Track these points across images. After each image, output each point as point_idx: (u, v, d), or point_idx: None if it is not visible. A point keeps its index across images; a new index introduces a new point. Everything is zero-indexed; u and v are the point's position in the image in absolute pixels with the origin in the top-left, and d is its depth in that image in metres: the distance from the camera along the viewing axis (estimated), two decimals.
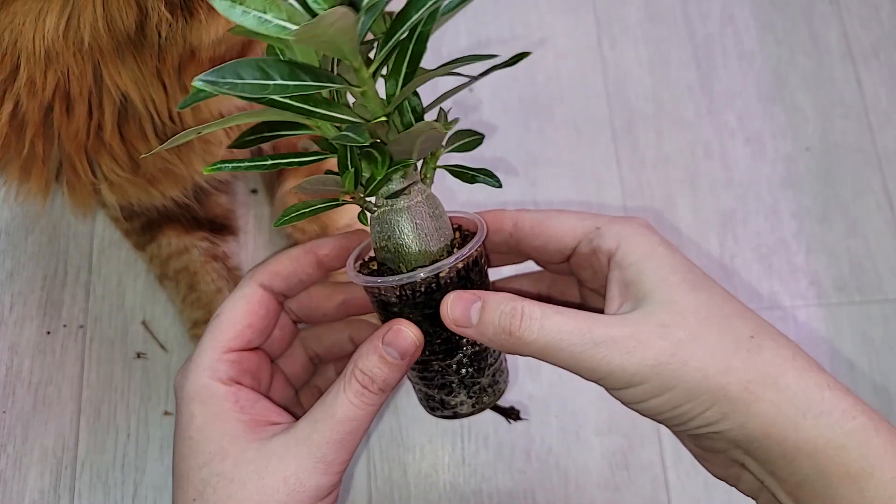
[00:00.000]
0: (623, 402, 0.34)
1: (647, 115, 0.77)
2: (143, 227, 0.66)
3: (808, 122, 0.77)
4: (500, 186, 0.38)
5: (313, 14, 0.28)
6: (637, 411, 0.34)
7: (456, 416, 0.40)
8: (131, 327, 0.68)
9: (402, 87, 0.33)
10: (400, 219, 0.35)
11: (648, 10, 0.81)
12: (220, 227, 0.68)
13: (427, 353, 0.37)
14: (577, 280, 0.42)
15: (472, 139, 0.39)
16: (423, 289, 0.35)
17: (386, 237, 0.36)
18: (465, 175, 0.38)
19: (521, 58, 0.36)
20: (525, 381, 0.67)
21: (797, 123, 0.77)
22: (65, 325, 0.68)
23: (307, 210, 0.35)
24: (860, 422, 0.31)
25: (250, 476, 0.34)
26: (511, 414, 0.45)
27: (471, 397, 0.40)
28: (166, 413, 0.65)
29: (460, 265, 0.35)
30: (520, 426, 0.65)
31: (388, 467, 0.64)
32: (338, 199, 0.35)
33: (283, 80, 0.28)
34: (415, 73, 0.33)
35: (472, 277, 0.36)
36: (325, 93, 0.32)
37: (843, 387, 0.32)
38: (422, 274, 0.35)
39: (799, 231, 0.73)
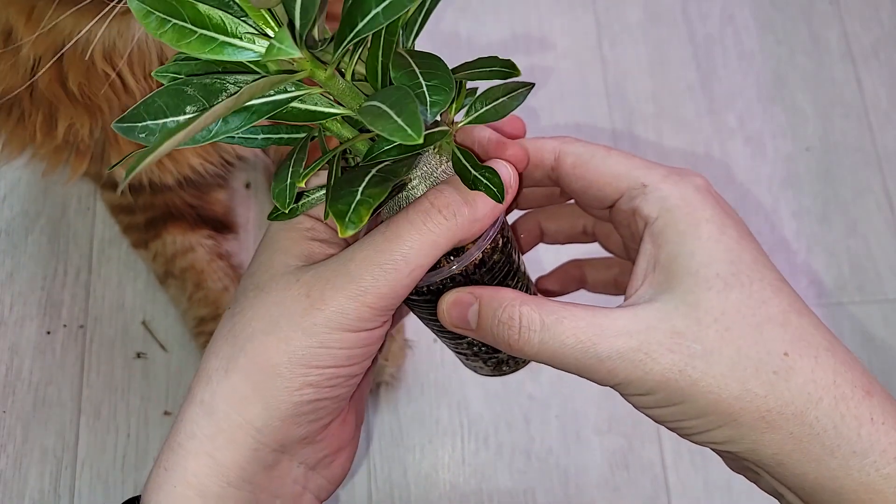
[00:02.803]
0: (633, 406, 0.32)
1: (647, 115, 0.77)
2: (147, 223, 0.66)
3: (808, 122, 0.77)
4: (501, 201, 0.30)
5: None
6: (647, 416, 0.32)
7: (478, 374, 0.38)
8: (131, 327, 0.68)
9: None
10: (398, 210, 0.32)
11: (648, 10, 0.81)
12: (222, 224, 0.68)
13: (435, 327, 0.35)
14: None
15: (500, 101, 0.31)
16: (421, 291, 0.33)
17: None
18: (467, 173, 0.30)
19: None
20: (525, 380, 0.67)
21: (797, 123, 0.77)
22: (65, 325, 0.68)
23: (300, 204, 0.31)
24: None
25: (279, 285, 0.30)
26: None
27: (489, 365, 0.37)
28: (166, 413, 0.65)
29: (462, 267, 0.32)
30: (520, 426, 0.65)
31: (388, 467, 0.64)
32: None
33: (202, 107, 0.24)
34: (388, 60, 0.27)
35: (476, 279, 0.32)
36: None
37: (892, 418, 0.28)
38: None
39: (799, 231, 0.73)
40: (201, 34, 0.23)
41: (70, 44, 0.42)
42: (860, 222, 0.73)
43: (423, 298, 0.33)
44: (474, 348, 0.36)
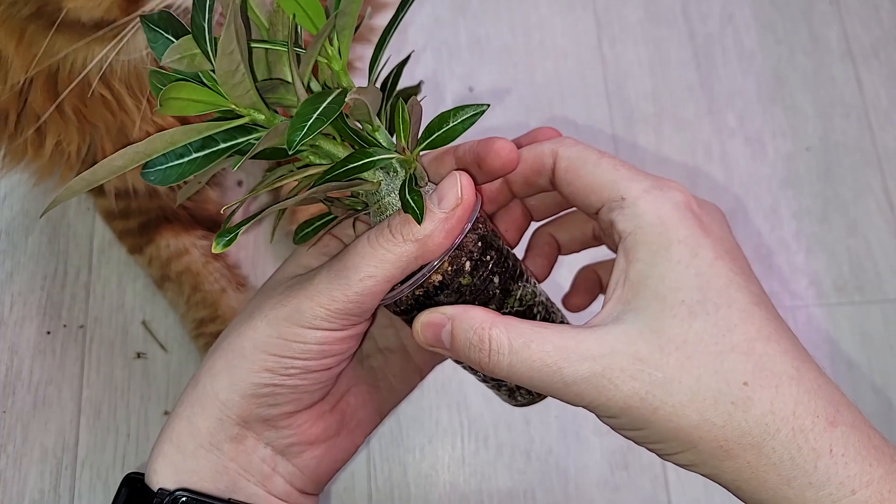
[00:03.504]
0: (606, 425, 0.32)
1: (647, 115, 0.77)
2: (141, 227, 0.66)
3: (808, 122, 0.77)
4: (419, 223, 0.31)
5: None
6: (621, 435, 0.32)
7: (503, 401, 0.39)
8: (131, 327, 0.68)
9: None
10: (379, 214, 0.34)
11: (648, 10, 0.81)
12: (215, 224, 0.68)
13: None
14: None
15: (451, 126, 0.32)
16: (398, 309, 0.33)
17: None
18: (402, 195, 0.32)
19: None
20: None
21: (797, 123, 0.77)
22: (65, 325, 0.68)
23: (320, 224, 0.35)
24: (861, 496, 0.27)
25: (270, 287, 0.35)
26: None
27: (504, 394, 0.37)
28: (166, 413, 0.65)
29: (422, 289, 0.32)
30: (520, 426, 0.65)
31: (388, 467, 0.64)
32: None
33: (195, 152, 0.29)
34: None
35: (443, 300, 0.32)
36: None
37: (853, 450, 0.28)
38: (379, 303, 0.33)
39: (799, 231, 0.73)
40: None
41: (47, 61, 0.43)
42: (860, 222, 0.73)
43: (406, 320, 0.34)
44: (479, 374, 0.36)
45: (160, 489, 0.34)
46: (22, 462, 0.64)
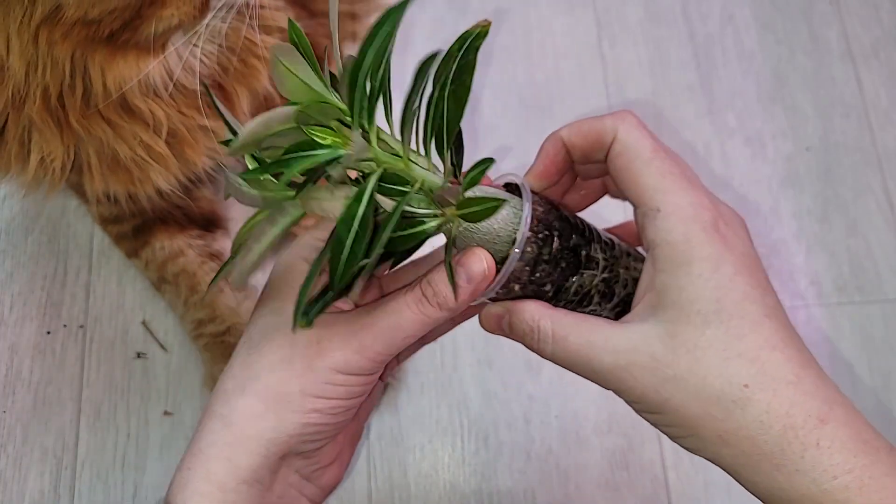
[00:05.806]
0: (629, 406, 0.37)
1: (647, 115, 0.77)
2: (136, 230, 0.66)
3: (808, 122, 0.77)
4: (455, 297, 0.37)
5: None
6: (640, 416, 0.37)
7: None
8: (131, 327, 0.68)
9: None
10: (461, 242, 0.37)
11: (648, 10, 0.81)
12: (209, 222, 0.68)
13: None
14: None
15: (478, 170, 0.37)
16: (492, 296, 0.38)
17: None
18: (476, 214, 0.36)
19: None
20: (525, 381, 0.67)
21: (797, 123, 0.77)
22: (65, 325, 0.68)
23: (323, 302, 0.37)
24: (841, 481, 0.31)
25: (289, 331, 0.37)
26: None
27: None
28: (166, 413, 0.65)
29: (500, 287, 0.37)
30: (520, 426, 0.65)
31: (388, 467, 0.64)
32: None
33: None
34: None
35: (538, 276, 0.37)
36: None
37: (839, 443, 0.32)
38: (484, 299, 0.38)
39: (799, 231, 0.73)
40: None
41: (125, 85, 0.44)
42: (860, 222, 0.73)
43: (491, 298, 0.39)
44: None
45: None
46: (22, 462, 0.64)
